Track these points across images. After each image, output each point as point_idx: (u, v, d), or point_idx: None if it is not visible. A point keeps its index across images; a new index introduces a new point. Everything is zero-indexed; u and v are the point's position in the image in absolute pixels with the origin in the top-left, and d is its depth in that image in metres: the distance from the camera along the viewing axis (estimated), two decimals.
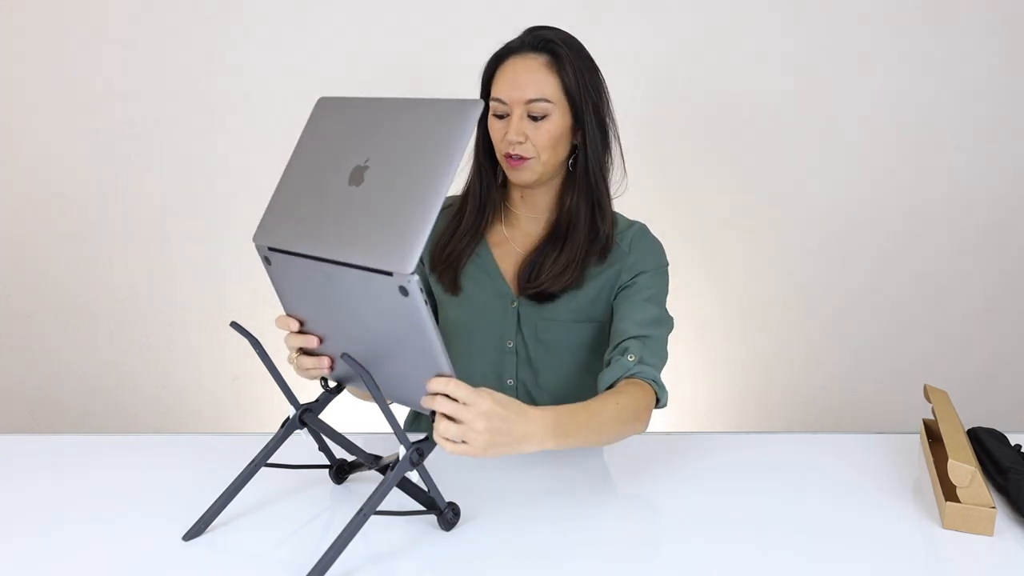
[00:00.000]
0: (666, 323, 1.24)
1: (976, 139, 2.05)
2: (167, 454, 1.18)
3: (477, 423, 0.87)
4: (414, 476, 0.91)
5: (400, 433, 0.90)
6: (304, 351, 1.00)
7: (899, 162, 2.06)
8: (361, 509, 0.88)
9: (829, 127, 2.04)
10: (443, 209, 1.33)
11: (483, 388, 0.90)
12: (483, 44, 1.24)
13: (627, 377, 1.14)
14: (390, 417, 0.90)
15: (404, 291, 0.80)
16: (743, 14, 1.97)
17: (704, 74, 2.00)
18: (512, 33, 1.23)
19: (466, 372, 1.33)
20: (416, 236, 0.78)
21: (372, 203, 0.83)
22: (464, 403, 0.87)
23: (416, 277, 0.79)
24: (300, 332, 0.98)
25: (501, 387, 1.31)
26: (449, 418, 0.88)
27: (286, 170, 0.93)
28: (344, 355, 0.85)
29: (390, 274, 0.79)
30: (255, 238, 0.93)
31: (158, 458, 1.17)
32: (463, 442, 0.88)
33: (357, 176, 0.85)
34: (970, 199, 2.09)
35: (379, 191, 0.83)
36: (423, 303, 0.81)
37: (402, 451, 0.90)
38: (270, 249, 0.92)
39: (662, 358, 1.20)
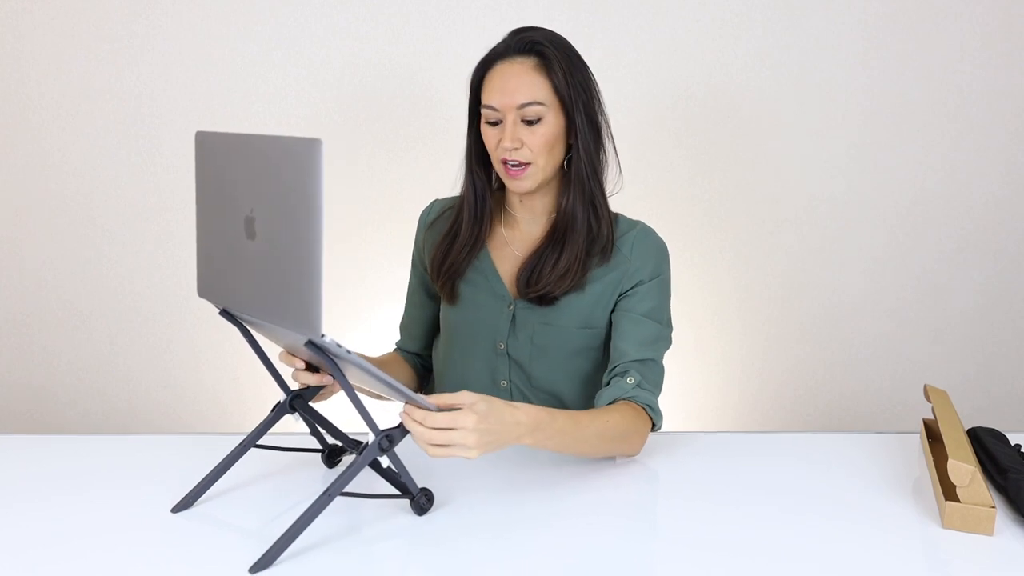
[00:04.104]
0: (664, 341, 1.24)
1: (974, 138, 2.05)
2: (167, 454, 1.18)
3: (468, 440, 0.91)
4: (387, 462, 0.95)
5: (369, 420, 0.93)
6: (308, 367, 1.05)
7: (897, 161, 2.06)
8: (327, 490, 0.91)
9: (827, 127, 2.04)
10: (439, 216, 1.33)
11: (462, 397, 0.93)
12: (482, 44, 1.24)
13: (624, 399, 1.15)
14: (358, 405, 0.93)
15: (329, 349, 0.86)
16: (739, 13, 1.97)
17: (701, 74, 2.00)
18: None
19: (462, 373, 1.32)
20: (312, 303, 0.83)
21: (269, 261, 0.88)
22: (450, 427, 0.90)
23: (327, 337, 0.84)
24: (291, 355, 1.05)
25: (495, 389, 1.30)
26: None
27: (198, 216, 0.99)
28: (308, 343, 0.88)
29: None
30: (199, 291, 1.01)
31: (158, 458, 1.17)
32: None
33: (250, 228, 0.90)
34: (969, 198, 2.08)
35: (270, 248, 0.88)
36: (347, 353, 0.87)
37: (371, 437, 0.92)
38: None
39: (659, 383, 1.21)
